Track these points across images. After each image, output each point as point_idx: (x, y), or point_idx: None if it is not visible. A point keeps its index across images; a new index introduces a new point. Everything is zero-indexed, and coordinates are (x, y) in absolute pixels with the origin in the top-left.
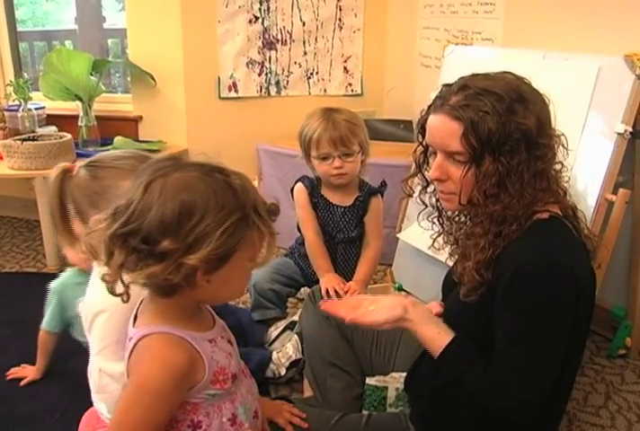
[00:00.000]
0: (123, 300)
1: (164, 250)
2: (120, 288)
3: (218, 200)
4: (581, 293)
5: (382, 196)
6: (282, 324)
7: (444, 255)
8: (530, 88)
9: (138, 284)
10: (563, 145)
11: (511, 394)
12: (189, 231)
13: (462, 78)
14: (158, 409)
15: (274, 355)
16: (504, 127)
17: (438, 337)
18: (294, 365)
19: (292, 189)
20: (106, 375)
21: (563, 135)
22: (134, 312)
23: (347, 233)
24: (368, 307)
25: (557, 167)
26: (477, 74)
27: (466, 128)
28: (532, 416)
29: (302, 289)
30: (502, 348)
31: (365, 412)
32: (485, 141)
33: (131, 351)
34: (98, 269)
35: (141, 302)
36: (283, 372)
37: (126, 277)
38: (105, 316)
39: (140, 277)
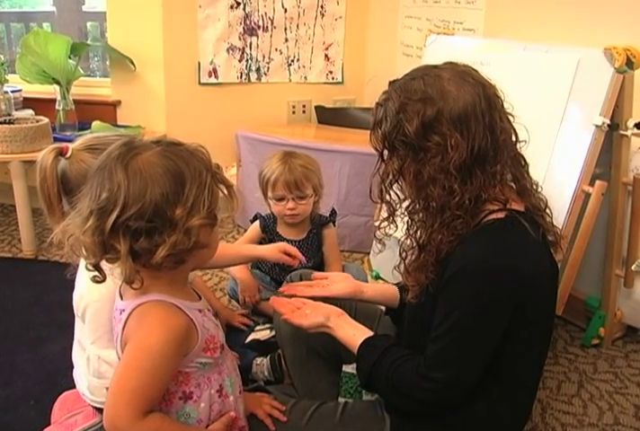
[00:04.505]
0: (135, 287)
1: (176, 218)
2: (133, 273)
3: (194, 165)
4: (529, 292)
5: (334, 224)
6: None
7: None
8: (456, 83)
9: (157, 260)
10: (496, 141)
11: (415, 383)
12: (187, 196)
13: (404, 74)
14: (158, 374)
15: (254, 366)
16: (396, 130)
17: (353, 338)
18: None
19: (251, 221)
20: (105, 363)
21: (505, 127)
22: (118, 287)
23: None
24: (305, 310)
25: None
26: (416, 68)
27: (373, 127)
28: (428, 410)
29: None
30: (428, 342)
31: (341, 400)
32: (382, 140)
33: (125, 321)
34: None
35: None
36: (262, 383)
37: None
38: (97, 306)
39: (165, 250)
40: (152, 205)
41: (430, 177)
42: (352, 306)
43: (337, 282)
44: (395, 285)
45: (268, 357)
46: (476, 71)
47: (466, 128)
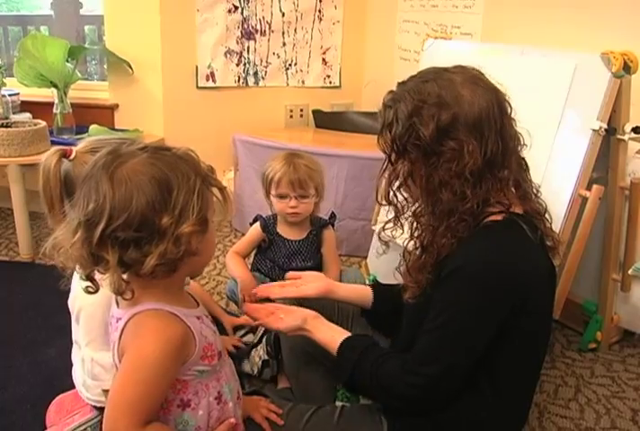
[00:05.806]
0: (126, 298)
1: (164, 227)
2: (122, 285)
3: (181, 170)
4: (525, 292)
5: (333, 226)
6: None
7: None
8: (469, 88)
9: (147, 270)
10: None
11: (401, 379)
12: (175, 203)
13: (412, 76)
14: (156, 384)
15: (252, 352)
16: (408, 134)
17: (332, 339)
18: (265, 364)
19: (251, 224)
20: (97, 365)
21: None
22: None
23: (302, 263)
24: (279, 315)
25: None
26: (426, 70)
27: (382, 129)
28: (413, 407)
29: None
30: (418, 336)
31: (338, 403)
32: (391, 143)
33: (122, 330)
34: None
35: None
36: (256, 370)
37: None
38: (90, 309)
39: (153, 260)
40: (138, 214)
41: (441, 181)
42: (334, 307)
43: (310, 282)
44: (394, 285)
45: (264, 338)
46: (485, 76)
47: (480, 134)
